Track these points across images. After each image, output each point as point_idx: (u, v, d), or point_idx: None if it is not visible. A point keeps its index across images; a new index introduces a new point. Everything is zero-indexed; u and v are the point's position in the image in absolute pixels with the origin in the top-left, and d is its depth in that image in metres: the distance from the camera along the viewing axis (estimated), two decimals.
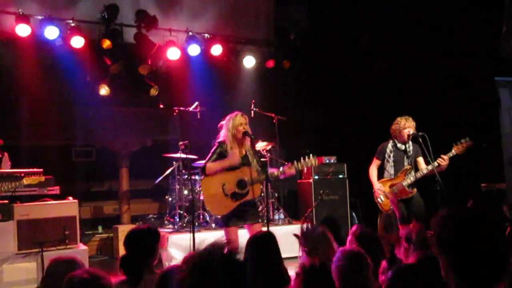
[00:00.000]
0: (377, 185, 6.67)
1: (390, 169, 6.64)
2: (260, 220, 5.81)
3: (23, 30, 7.84)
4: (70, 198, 7.19)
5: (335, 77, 9.51)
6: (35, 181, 6.23)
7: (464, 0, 7.56)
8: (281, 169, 5.77)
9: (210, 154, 5.64)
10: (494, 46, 6.93)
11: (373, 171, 6.78)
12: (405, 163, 6.60)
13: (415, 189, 6.55)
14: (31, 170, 7.02)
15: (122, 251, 8.14)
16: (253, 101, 8.41)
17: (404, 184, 6.49)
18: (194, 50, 9.05)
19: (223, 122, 5.81)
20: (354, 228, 4.32)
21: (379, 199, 6.65)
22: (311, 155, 5.73)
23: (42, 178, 6.26)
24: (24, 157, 8.06)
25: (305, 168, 6.06)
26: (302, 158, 5.73)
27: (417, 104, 7.49)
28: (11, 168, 7.58)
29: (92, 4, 8.71)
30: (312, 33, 10.18)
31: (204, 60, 9.39)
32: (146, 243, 3.67)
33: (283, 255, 3.95)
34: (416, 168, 6.59)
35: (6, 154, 7.74)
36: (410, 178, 6.49)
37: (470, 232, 2.04)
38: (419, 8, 8.15)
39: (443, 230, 2.09)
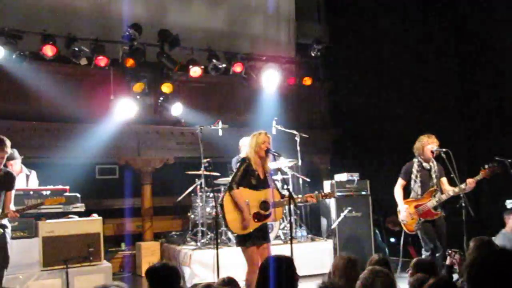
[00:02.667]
0: (403, 206, 6.58)
1: (417, 189, 6.57)
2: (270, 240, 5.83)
3: (48, 50, 7.99)
4: (95, 215, 7.26)
5: (356, 93, 9.50)
6: (55, 202, 6.18)
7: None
8: (302, 197, 5.81)
9: (236, 171, 5.67)
10: None
11: (398, 191, 6.70)
12: (431, 183, 6.53)
13: (441, 211, 6.47)
14: (57, 188, 7.12)
15: (145, 268, 8.20)
16: (275, 118, 8.43)
17: (429, 205, 6.42)
18: (215, 68, 9.12)
19: (244, 139, 5.85)
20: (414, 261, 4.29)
21: (404, 220, 6.57)
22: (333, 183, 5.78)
23: (63, 199, 6.21)
24: (49, 175, 8.16)
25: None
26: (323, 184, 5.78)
27: (441, 122, 7.44)
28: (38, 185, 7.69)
29: (115, 24, 8.87)
30: (333, 50, 10.20)
31: (226, 78, 9.45)
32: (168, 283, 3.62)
33: (306, 273, 3.93)
34: (439, 188, 6.50)
35: (34, 172, 7.86)
36: (436, 200, 6.40)
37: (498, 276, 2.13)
38: (439, 23, 8.13)
39: (475, 269, 2.16)
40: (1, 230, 5.56)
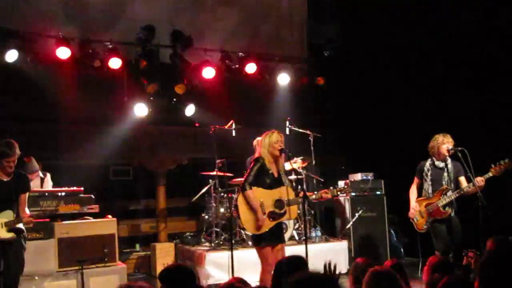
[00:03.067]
0: (413, 204, 6.56)
1: (428, 188, 6.52)
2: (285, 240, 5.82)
3: (63, 53, 8.05)
4: (109, 216, 7.28)
5: (370, 93, 9.44)
6: (70, 209, 6.10)
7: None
8: (317, 193, 5.77)
9: (249, 171, 5.65)
10: None
11: (412, 190, 6.68)
12: (443, 182, 6.47)
13: (449, 210, 6.39)
14: (72, 189, 7.16)
15: (159, 269, 8.21)
16: (288, 118, 8.40)
17: (439, 204, 6.36)
18: (228, 69, 9.13)
19: (258, 139, 5.84)
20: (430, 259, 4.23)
21: (414, 218, 6.54)
22: (348, 182, 5.76)
23: (77, 207, 6.16)
24: (64, 177, 8.22)
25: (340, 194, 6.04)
26: (337, 184, 5.75)
27: (456, 120, 7.36)
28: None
29: (128, 25, 8.91)
30: (345, 49, 10.15)
31: (239, 78, 9.46)
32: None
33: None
34: (457, 188, 6.43)
35: (48, 175, 7.91)
36: (446, 199, 6.35)
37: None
38: (456, 22, 8.06)
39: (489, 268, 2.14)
40: (13, 235, 5.51)
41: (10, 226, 5.45)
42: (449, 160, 6.48)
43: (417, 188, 6.66)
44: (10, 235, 5.46)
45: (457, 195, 6.29)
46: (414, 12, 8.69)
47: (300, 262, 3.86)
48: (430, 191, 6.51)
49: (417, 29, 8.60)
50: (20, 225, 5.58)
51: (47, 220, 6.78)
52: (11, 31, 7.89)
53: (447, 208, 6.38)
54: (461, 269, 4.41)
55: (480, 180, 6.12)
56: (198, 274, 7.41)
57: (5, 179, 5.52)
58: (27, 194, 5.75)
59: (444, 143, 6.40)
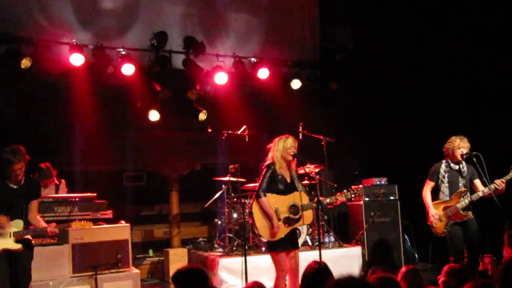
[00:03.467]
0: (432, 211, 6.43)
1: (445, 190, 6.44)
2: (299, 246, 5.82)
3: (77, 59, 8.10)
4: (123, 222, 7.31)
5: (383, 97, 9.40)
6: (83, 226, 5.73)
7: None
8: (332, 197, 5.74)
9: (262, 178, 5.62)
10: None
11: (427, 194, 6.56)
12: (460, 184, 6.40)
13: (470, 212, 6.33)
14: (85, 195, 7.20)
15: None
16: (301, 123, 8.38)
17: (458, 206, 6.29)
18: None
19: (271, 144, 5.82)
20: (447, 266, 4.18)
21: (432, 223, 6.45)
22: (361, 186, 5.73)
23: (91, 224, 5.83)
24: (77, 182, 8.27)
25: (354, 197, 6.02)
26: (351, 187, 5.72)
27: (470, 124, 7.29)
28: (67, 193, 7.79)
29: (141, 32, 8.96)
30: (358, 54, 10.12)
31: (251, 83, 9.46)
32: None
33: None
34: (472, 191, 6.36)
35: (63, 181, 7.96)
36: (465, 201, 6.28)
37: None
38: (470, 25, 8.00)
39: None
40: (21, 246, 5.34)
41: (18, 237, 5.28)
42: (463, 163, 6.43)
43: (430, 191, 6.57)
44: (18, 246, 5.29)
45: (477, 197, 6.22)
46: (428, 14, 8.64)
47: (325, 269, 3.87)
48: (447, 193, 6.43)
49: (431, 32, 8.56)
50: (28, 236, 5.40)
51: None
52: (25, 39, 7.96)
53: (467, 211, 6.31)
54: (478, 275, 4.37)
55: (500, 183, 6.07)
56: (211, 280, 7.40)
57: (14, 187, 5.35)
58: (38, 200, 5.60)
59: (460, 147, 6.35)
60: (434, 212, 6.41)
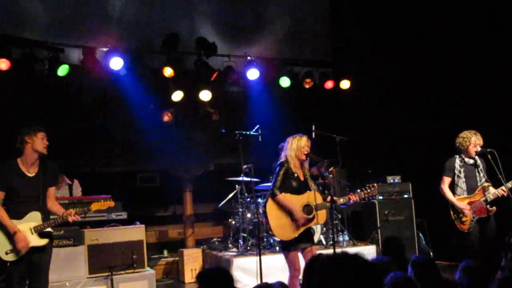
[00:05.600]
0: (461, 204, 6.32)
1: (462, 185, 6.38)
2: (315, 242, 5.79)
3: (90, 62, 8.16)
4: (137, 222, 7.36)
5: (395, 96, 9.36)
6: (104, 206, 5.57)
7: None
8: (345, 197, 5.74)
9: (275, 177, 5.63)
10: None
11: (447, 190, 6.46)
12: (478, 179, 6.35)
13: (494, 207, 6.28)
14: (99, 196, 7.25)
15: (187, 274, 8.29)
16: (314, 122, 8.37)
17: (483, 201, 6.23)
18: (253, 74, 9.14)
19: (284, 143, 5.83)
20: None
21: (466, 215, 6.31)
22: (374, 184, 5.72)
23: (112, 203, 5.66)
24: (91, 184, 8.33)
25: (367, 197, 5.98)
26: (365, 186, 5.71)
27: (483, 119, 7.24)
28: (82, 194, 7.86)
29: (153, 34, 9.00)
30: (370, 52, 10.08)
31: (263, 83, 9.47)
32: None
33: None
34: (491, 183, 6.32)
35: (76, 181, 8.03)
36: (490, 196, 6.21)
37: None
38: (483, 21, 7.95)
39: None
40: (47, 240, 5.16)
41: (40, 231, 5.03)
42: (476, 157, 6.38)
43: (449, 187, 6.51)
44: (44, 241, 5.09)
45: (502, 192, 6.13)
46: (438, 15, 8.60)
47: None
48: (465, 188, 6.37)
49: (443, 28, 8.51)
50: (49, 228, 5.16)
51: (77, 227, 6.89)
52: (39, 42, 8.02)
53: (492, 206, 6.26)
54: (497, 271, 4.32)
55: None
56: None
57: (31, 174, 5.09)
58: (55, 186, 5.42)
59: (476, 145, 6.30)
60: (464, 205, 6.31)
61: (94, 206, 5.46)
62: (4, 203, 5.03)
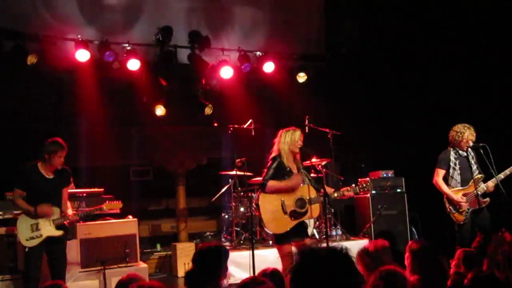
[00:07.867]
0: (456, 196, 6.37)
1: (457, 177, 6.42)
2: (308, 235, 5.78)
3: (82, 55, 8.11)
4: (130, 216, 7.34)
5: (388, 90, 9.37)
6: (117, 206, 6.45)
7: None
8: (340, 191, 5.72)
9: (267, 170, 5.61)
10: None
11: (441, 182, 6.49)
12: (473, 170, 6.38)
13: (488, 198, 6.32)
14: (93, 190, 7.23)
15: (180, 268, 8.27)
16: (307, 116, 8.36)
17: (476, 193, 6.26)
18: (246, 68, 9.11)
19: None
20: (411, 243, 4.11)
21: (453, 211, 6.38)
22: (368, 180, 5.72)
23: (121, 204, 6.46)
24: (84, 178, 8.29)
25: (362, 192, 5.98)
26: (359, 180, 5.71)
27: (474, 114, 7.26)
28: (75, 188, 7.81)
29: (146, 27, 8.94)
30: (364, 47, 10.08)
31: (257, 77, 9.45)
32: (216, 260, 3.67)
33: None
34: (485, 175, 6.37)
35: None
36: (483, 187, 6.26)
37: None
38: (475, 19, 7.96)
39: None
40: (63, 232, 5.86)
41: (58, 224, 5.78)
42: (469, 149, 6.42)
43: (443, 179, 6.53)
44: (60, 232, 5.81)
45: (496, 181, 6.16)
46: (433, 7, 8.60)
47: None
48: (459, 180, 6.42)
49: (438, 23, 8.51)
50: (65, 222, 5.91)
51: None
52: (31, 35, 7.97)
53: (485, 198, 6.30)
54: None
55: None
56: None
57: (50, 176, 5.83)
58: (68, 187, 6.09)
59: (469, 139, 6.33)
60: (459, 197, 6.35)
61: (107, 206, 6.30)
62: (30, 202, 5.75)
